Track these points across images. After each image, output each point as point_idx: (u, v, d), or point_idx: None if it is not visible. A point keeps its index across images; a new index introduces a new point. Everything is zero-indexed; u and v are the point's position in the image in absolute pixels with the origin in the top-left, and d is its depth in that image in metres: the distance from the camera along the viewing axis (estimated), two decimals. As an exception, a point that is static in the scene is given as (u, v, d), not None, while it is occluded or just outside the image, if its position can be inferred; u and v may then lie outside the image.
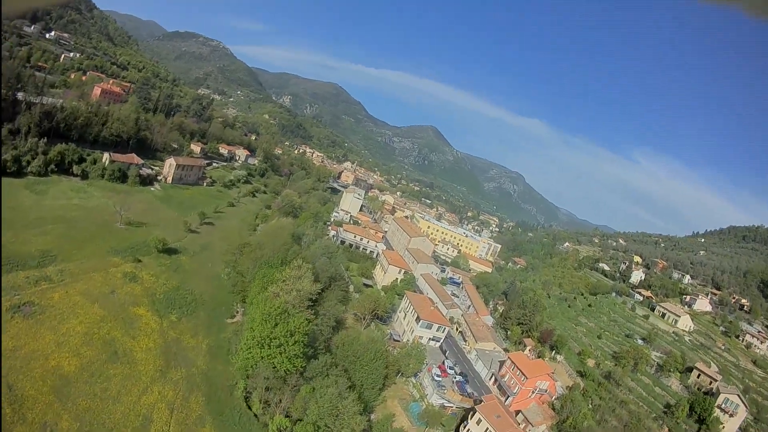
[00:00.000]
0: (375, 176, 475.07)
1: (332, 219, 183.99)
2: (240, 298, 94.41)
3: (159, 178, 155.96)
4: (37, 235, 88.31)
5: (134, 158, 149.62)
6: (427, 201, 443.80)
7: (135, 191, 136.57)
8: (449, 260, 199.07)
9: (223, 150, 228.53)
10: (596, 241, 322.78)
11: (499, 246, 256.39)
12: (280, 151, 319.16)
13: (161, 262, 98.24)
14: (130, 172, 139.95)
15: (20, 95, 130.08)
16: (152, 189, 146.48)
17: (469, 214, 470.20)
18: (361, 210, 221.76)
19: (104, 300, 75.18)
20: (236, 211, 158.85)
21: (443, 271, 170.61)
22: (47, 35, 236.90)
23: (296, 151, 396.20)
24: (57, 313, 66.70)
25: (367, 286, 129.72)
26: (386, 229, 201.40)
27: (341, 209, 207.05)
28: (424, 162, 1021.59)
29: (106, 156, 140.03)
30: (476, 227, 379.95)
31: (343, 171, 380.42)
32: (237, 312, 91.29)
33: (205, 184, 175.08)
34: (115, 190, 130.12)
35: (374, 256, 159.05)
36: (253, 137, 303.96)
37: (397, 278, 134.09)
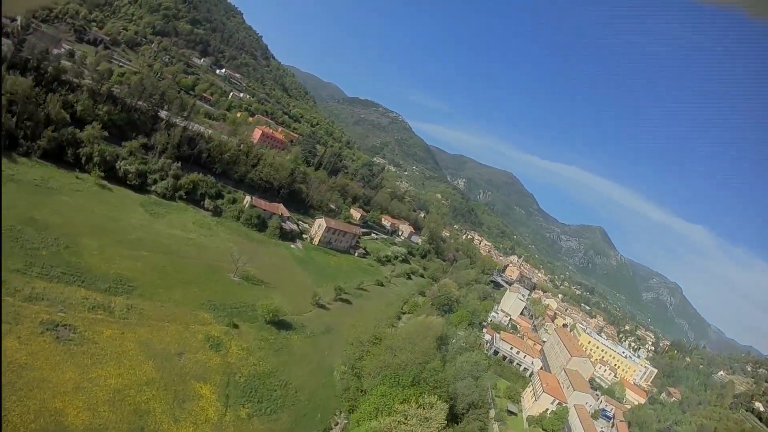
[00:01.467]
0: (539, 274, 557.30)
1: (489, 319, 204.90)
2: (348, 407, 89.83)
3: (304, 236, 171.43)
4: (125, 258, 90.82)
5: (280, 208, 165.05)
6: (587, 307, 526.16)
7: (271, 244, 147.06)
8: (605, 386, 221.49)
9: (386, 222, 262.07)
10: (749, 369, 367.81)
11: (655, 371, 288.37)
12: (448, 234, 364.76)
13: (264, 335, 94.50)
14: (271, 223, 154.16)
15: (163, 113, 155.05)
16: (292, 246, 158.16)
17: (627, 327, 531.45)
18: (521, 313, 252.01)
19: (164, 360, 70.68)
20: (383, 293, 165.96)
21: (596, 398, 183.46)
22: (217, 71, 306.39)
23: (464, 237, 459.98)
24: (97, 352, 65.17)
25: (510, 413, 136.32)
26: (545, 339, 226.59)
27: (501, 309, 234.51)
28: (588, 265, 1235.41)
29: (247, 199, 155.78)
30: (633, 343, 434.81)
31: (508, 265, 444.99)
32: (336, 424, 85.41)
33: (356, 254, 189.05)
34: (247, 236, 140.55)
35: (527, 374, 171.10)
36: (422, 215, 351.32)
37: (548, 409, 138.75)
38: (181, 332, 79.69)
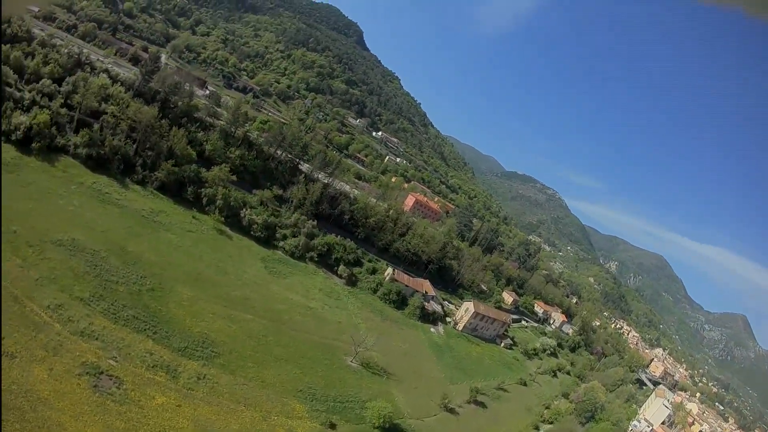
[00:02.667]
0: (681, 370, 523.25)
1: (630, 429, 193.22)
2: None
3: (448, 320, 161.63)
4: (219, 317, 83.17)
5: (424, 285, 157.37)
6: (720, 407, 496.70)
7: (407, 325, 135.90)
8: None
9: (539, 308, 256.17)
10: None
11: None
12: (598, 323, 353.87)
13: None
14: (412, 301, 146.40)
15: (304, 167, 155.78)
16: (432, 330, 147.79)
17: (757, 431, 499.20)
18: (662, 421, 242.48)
19: (219, 450, 59.38)
20: (524, 393, 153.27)
21: None
22: (373, 133, 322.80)
23: (613, 326, 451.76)
24: (137, 417, 58.05)
25: None
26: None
27: (643, 417, 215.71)
28: (727, 357, 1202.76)
29: (389, 271, 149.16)
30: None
31: (653, 359, 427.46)
32: None
33: (502, 344, 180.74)
34: (381, 313, 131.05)
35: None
36: (574, 300, 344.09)
37: None
38: (257, 422, 67.63)
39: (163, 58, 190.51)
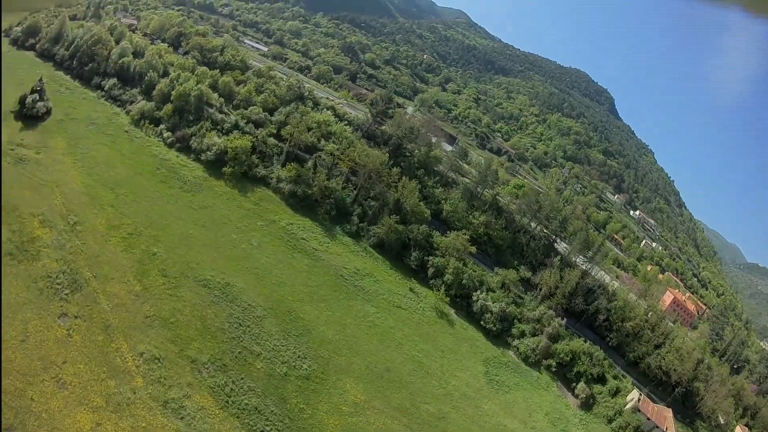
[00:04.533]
0: None
1: None
2: None
3: None
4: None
5: (667, 419, 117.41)
6: None
7: None
8: None
9: None
10: None
11: None
12: None
13: None
14: None
15: (561, 246, 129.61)
16: None
17: None
18: None
19: None
20: None
21: None
22: (631, 212, 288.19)
23: None
24: None
25: None
26: None
27: None
28: None
29: (633, 395, 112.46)
30: None
31: None
32: None
33: None
34: None
35: None
36: None
37: None
38: None
39: (410, 110, 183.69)
